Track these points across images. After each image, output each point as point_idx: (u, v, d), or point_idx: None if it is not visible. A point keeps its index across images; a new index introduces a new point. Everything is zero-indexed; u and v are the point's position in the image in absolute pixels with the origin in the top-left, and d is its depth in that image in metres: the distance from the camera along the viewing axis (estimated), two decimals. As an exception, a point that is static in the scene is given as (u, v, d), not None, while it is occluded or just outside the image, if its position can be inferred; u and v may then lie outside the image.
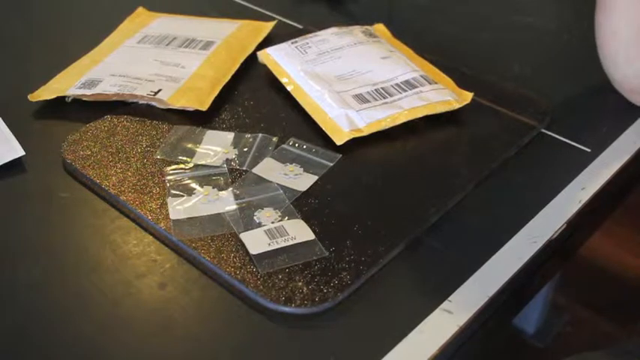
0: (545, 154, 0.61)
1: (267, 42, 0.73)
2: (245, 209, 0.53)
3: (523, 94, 0.67)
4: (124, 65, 0.69)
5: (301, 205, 0.54)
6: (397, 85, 0.64)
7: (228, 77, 0.68)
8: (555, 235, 0.53)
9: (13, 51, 0.76)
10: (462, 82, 0.66)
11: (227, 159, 0.58)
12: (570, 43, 0.78)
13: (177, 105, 0.63)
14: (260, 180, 0.56)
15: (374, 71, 0.66)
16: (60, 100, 0.65)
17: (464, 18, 0.83)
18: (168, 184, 0.55)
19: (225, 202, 0.54)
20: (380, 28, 0.76)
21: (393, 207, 0.54)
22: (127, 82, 0.66)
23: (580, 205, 0.56)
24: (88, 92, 0.64)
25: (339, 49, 0.69)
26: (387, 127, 0.61)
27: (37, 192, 0.57)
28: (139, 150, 0.59)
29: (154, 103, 0.65)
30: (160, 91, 0.64)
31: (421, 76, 0.65)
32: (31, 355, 0.44)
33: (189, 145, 0.60)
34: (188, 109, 0.64)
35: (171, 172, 0.57)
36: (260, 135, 0.61)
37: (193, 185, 0.55)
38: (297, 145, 0.60)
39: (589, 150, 0.61)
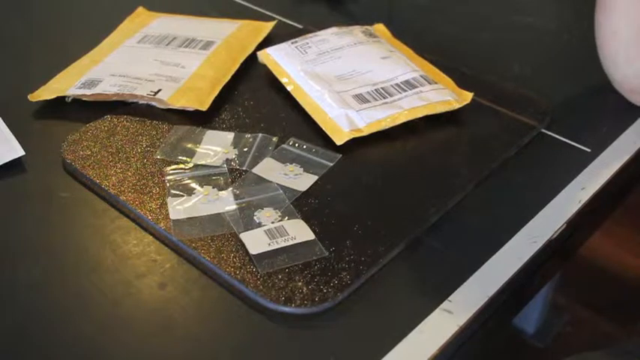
0: (545, 154, 0.61)
1: (267, 42, 0.73)
2: (245, 209, 0.53)
3: (523, 94, 0.67)
4: (124, 65, 0.69)
5: (301, 205, 0.54)
6: (397, 85, 0.64)
7: (228, 77, 0.68)
8: (555, 235, 0.53)
9: (13, 51, 0.76)
10: (462, 82, 0.66)
11: (227, 159, 0.58)
12: (570, 43, 0.78)
13: (177, 105, 0.63)
14: (260, 180, 0.56)
15: (374, 71, 0.66)
16: (60, 100, 0.65)
17: (464, 18, 0.83)
18: (168, 184, 0.55)
19: (225, 202, 0.54)
20: (380, 28, 0.76)
21: (393, 207, 0.54)
22: (127, 82, 0.66)
23: (580, 205, 0.56)
24: (88, 92, 0.64)
25: (339, 49, 0.69)
26: (387, 127, 0.61)
27: (37, 192, 0.57)
28: (139, 150, 0.59)
29: (154, 103, 0.65)
30: (159, 91, 0.64)
31: (421, 76, 0.65)
32: (31, 355, 0.44)
33: (189, 145, 0.60)
34: (188, 109, 0.64)
35: (171, 172, 0.57)
36: (260, 135, 0.61)
37: (193, 185, 0.55)
38: (297, 145, 0.60)
39: (589, 150, 0.61)
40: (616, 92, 0.67)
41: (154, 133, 0.61)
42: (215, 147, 0.59)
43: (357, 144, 0.60)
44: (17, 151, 0.59)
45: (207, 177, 0.56)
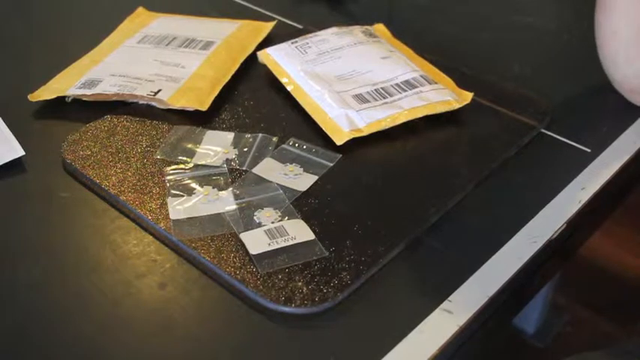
0: (545, 154, 0.61)
1: (267, 42, 0.73)
2: (245, 209, 0.53)
3: (523, 94, 0.67)
4: (124, 65, 0.69)
5: (301, 205, 0.54)
6: (397, 85, 0.64)
7: (228, 77, 0.68)
8: (555, 235, 0.53)
9: (13, 51, 0.76)
10: (462, 82, 0.66)
11: (227, 159, 0.58)
12: (570, 43, 0.78)
13: (177, 105, 0.63)
14: (260, 180, 0.56)
15: (374, 71, 0.66)
16: (60, 100, 0.65)
17: (464, 18, 0.83)
18: (168, 184, 0.55)
19: (225, 202, 0.54)
20: (380, 28, 0.76)
21: (393, 207, 0.54)
22: (127, 82, 0.66)
23: (580, 205, 0.56)
24: (88, 92, 0.64)
25: (339, 49, 0.69)
26: (387, 127, 0.61)
27: (37, 192, 0.57)
28: (139, 150, 0.59)
29: (154, 103, 0.65)
30: (159, 91, 0.64)
31: (421, 76, 0.65)
32: (31, 355, 0.44)
33: (189, 145, 0.60)
34: (188, 109, 0.64)
35: (171, 172, 0.57)
36: (260, 135, 0.61)
37: (193, 185, 0.55)
38: (297, 145, 0.60)
39: (589, 150, 0.61)
40: (616, 92, 0.67)
41: (153, 133, 0.61)
42: (215, 147, 0.59)
43: (357, 144, 0.60)
44: (17, 151, 0.59)
45: (207, 177, 0.56)
